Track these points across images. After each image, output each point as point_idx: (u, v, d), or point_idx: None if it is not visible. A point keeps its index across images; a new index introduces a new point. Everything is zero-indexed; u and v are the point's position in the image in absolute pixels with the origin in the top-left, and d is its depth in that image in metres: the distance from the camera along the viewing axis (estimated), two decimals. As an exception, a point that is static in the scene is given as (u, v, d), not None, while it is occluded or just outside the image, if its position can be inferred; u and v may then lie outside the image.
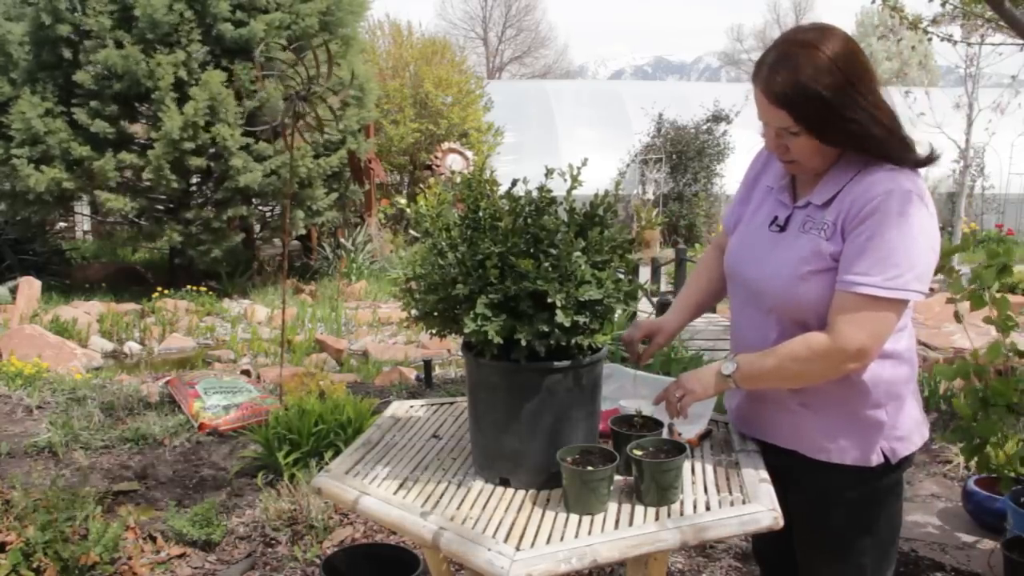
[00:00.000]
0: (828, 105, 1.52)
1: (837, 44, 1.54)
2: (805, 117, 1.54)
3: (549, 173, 1.65)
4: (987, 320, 3.06)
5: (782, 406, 1.73)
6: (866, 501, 1.71)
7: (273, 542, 3.14)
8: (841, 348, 1.56)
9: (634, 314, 5.55)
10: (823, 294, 1.60)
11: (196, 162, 8.47)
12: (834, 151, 1.61)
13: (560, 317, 1.51)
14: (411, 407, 2.13)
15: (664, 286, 9.78)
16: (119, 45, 8.38)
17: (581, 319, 1.54)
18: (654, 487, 1.53)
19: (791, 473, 1.72)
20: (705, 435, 1.88)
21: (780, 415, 1.74)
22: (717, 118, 14.45)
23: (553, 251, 1.55)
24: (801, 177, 1.72)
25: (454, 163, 12.64)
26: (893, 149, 1.57)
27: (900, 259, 1.52)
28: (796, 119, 1.55)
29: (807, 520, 1.74)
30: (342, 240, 10.69)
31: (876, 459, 1.67)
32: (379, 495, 1.59)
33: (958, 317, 3.14)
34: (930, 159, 1.60)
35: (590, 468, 1.52)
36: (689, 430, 1.86)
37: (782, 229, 1.70)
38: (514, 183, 1.68)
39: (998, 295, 3.03)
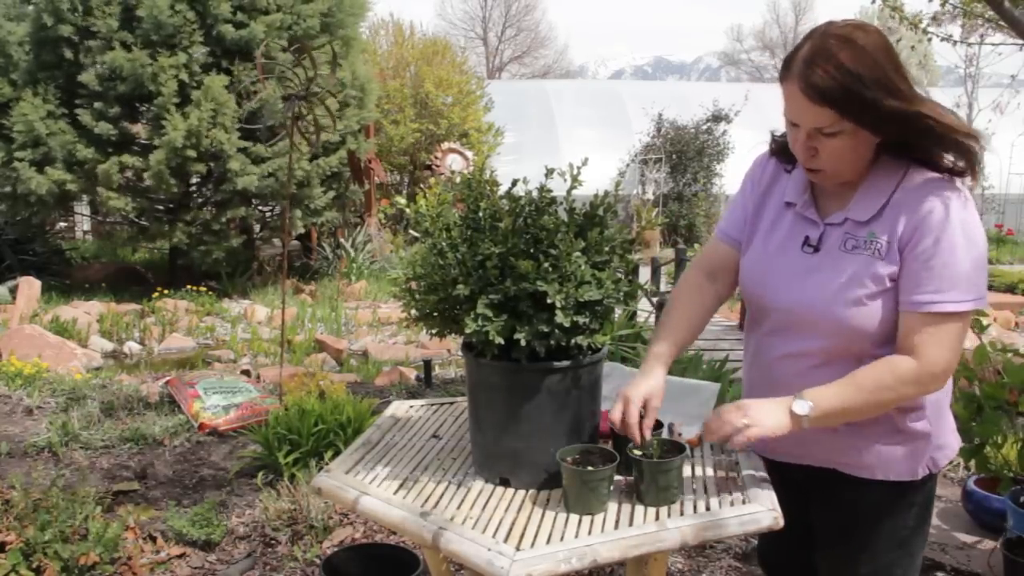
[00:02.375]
0: (874, 96, 1.43)
1: (872, 36, 1.47)
2: (852, 111, 1.44)
3: (549, 173, 1.65)
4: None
5: (824, 432, 1.61)
6: (904, 514, 1.66)
7: (273, 542, 3.14)
8: (930, 371, 1.50)
9: (634, 313, 5.56)
10: (882, 317, 1.53)
11: (197, 167, 8.48)
12: (865, 158, 1.53)
13: (560, 317, 1.51)
14: (411, 407, 2.13)
15: (664, 286, 9.77)
16: (125, 47, 8.38)
17: (581, 319, 1.54)
18: (654, 487, 1.53)
19: (822, 489, 1.69)
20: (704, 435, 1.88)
21: (816, 434, 1.62)
22: (717, 118, 14.46)
23: (553, 251, 1.55)
24: (824, 191, 1.63)
25: (454, 163, 12.65)
26: (951, 144, 1.49)
27: (970, 270, 1.48)
28: (842, 114, 1.45)
29: (840, 536, 1.70)
30: (342, 240, 10.70)
31: (922, 472, 1.63)
32: (379, 495, 1.59)
33: None
34: (972, 169, 1.51)
35: (590, 468, 1.52)
36: (689, 430, 1.86)
37: (816, 250, 1.60)
38: (514, 183, 1.68)
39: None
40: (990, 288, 9.45)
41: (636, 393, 1.62)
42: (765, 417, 1.52)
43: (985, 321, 3.11)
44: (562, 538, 1.43)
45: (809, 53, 1.46)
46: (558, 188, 1.65)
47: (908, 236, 1.50)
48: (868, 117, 1.45)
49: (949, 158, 1.51)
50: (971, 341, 3.16)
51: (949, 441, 1.68)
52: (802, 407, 1.51)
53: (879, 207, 1.54)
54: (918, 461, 1.63)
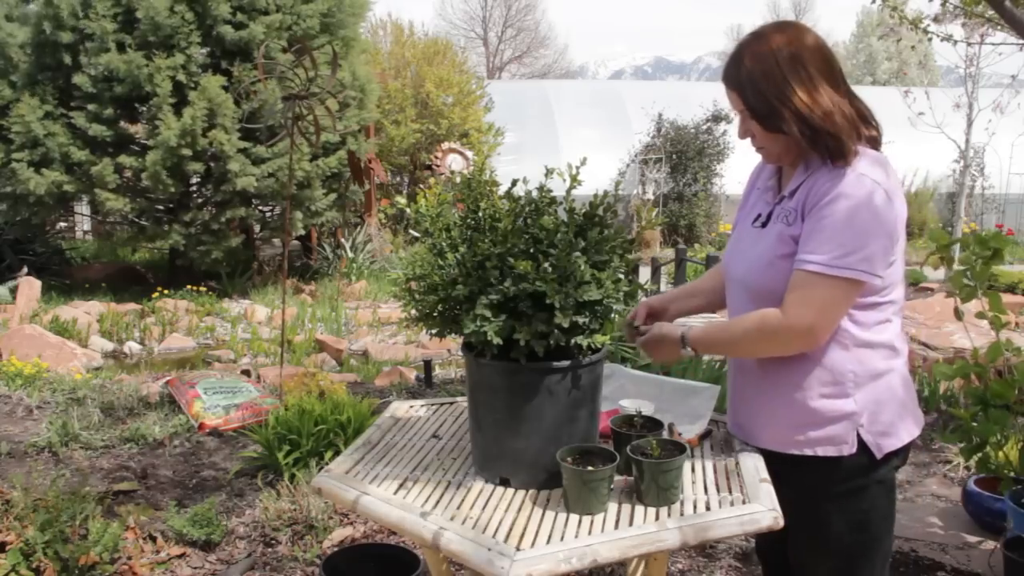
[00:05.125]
0: (762, 89, 1.62)
1: (785, 37, 1.64)
2: (746, 99, 1.65)
3: (549, 173, 1.65)
4: (979, 315, 3.06)
5: (755, 401, 1.78)
6: (855, 498, 1.71)
7: (273, 542, 3.14)
8: (790, 325, 1.60)
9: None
10: (785, 279, 1.64)
11: (194, 166, 8.47)
12: (792, 138, 1.65)
13: (559, 318, 1.51)
14: (411, 407, 2.13)
15: (664, 286, 9.77)
16: (121, 48, 8.37)
17: (580, 319, 1.54)
18: (654, 487, 1.53)
19: (779, 471, 1.73)
20: (705, 435, 1.88)
21: (755, 411, 1.78)
22: (717, 118, 14.43)
23: (552, 251, 1.55)
24: (786, 173, 1.77)
25: (454, 163, 12.64)
26: (824, 144, 1.61)
27: (847, 239, 1.57)
28: (743, 102, 1.66)
29: (798, 518, 1.74)
30: (342, 240, 10.69)
31: (849, 449, 1.68)
32: (379, 495, 1.59)
33: (959, 314, 3.12)
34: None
35: (590, 468, 1.52)
36: (689, 430, 1.86)
37: (764, 225, 1.75)
38: (514, 183, 1.68)
39: (989, 290, 3.02)
40: (990, 288, 9.44)
41: (652, 302, 1.95)
42: (655, 356, 1.84)
43: (1004, 319, 3.08)
44: (562, 538, 1.43)
45: (733, 49, 1.70)
46: (558, 188, 1.65)
47: (810, 203, 1.63)
48: (755, 105, 1.64)
49: (825, 153, 1.62)
50: (987, 338, 3.15)
51: (895, 427, 1.72)
52: (686, 350, 1.76)
53: (801, 181, 1.68)
54: (842, 439, 1.68)
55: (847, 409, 1.67)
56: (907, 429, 1.74)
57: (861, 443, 1.68)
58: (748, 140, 1.75)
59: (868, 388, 1.68)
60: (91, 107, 8.50)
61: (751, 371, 1.78)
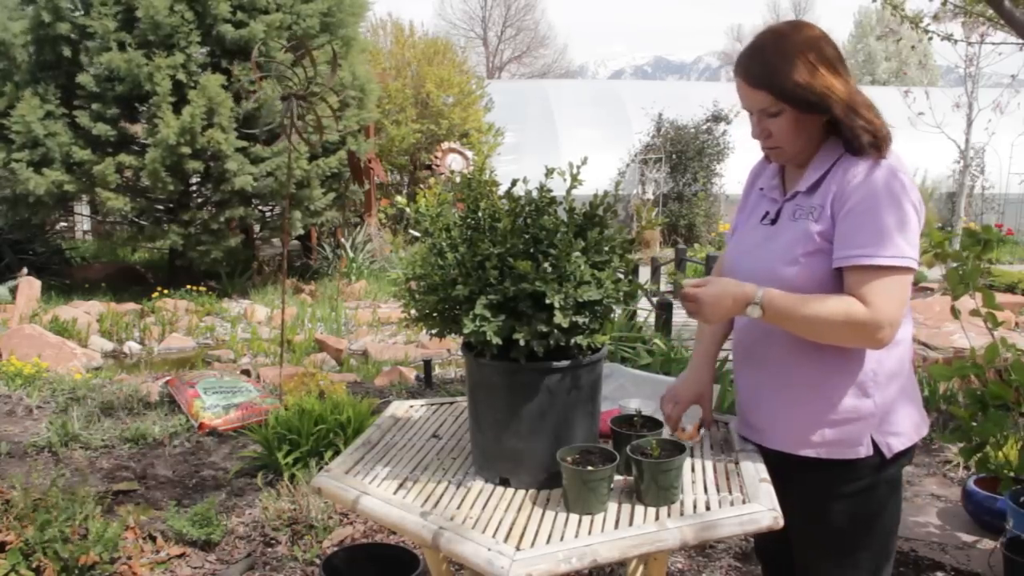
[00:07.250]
0: (800, 80, 1.61)
1: (801, 32, 1.66)
2: (783, 94, 1.62)
3: (549, 173, 1.65)
4: (974, 312, 3.05)
5: (770, 401, 1.75)
6: (863, 497, 1.71)
7: (273, 542, 3.14)
8: (877, 319, 1.57)
9: (634, 314, 5.55)
10: (812, 275, 1.64)
11: (193, 165, 8.47)
12: (816, 131, 1.66)
13: (558, 318, 1.51)
14: (411, 407, 2.13)
15: (664, 286, 9.77)
16: (122, 47, 8.38)
17: (580, 319, 1.54)
18: (654, 487, 1.53)
19: (787, 471, 1.73)
20: (701, 425, 1.87)
21: (769, 410, 1.75)
22: (717, 118, 14.44)
23: (552, 251, 1.55)
24: (790, 173, 1.77)
25: (454, 163, 12.64)
26: (860, 132, 1.62)
27: (896, 231, 1.58)
28: (776, 96, 1.63)
29: (803, 518, 1.74)
30: (342, 240, 10.69)
31: (865, 451, 1.67)
32: (379, 495, 1.59)
33: (955, 312, 3.12)
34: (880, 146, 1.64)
35: (590, 468, 1.52)
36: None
37: (773, 222, 1.74)
38: (514, 183, 1.68)
39: (984, 287, 3.02)
40: (990, 287, 9.43)
41: (684, 392, 1.85)
42: (710, 315, 1.65)
43: (999, 316, 3.07)
44: (562, 538, 1.43)
45: (748, 48, 1.70)
46: (558, 188, 1.65)
47: (840, 197, 1.62)
48: (794, 96, 1.62)
49: (868, 138, 1.63)
50: (986, 338, 3.14)
51: (906, 427, 1.72)
52: (755, 311, 1.62)
53: (819, 178, 1.68)
54: (858, 440, 1.68)
55: (865, 410, 1.66)
56: (916, 428, 1.74)
57: (872, 443, 1.68)
58: (754, 140, 1.74)
59: (886, 389, 1.68)
60: (95, 106, 8.50)
61: (770, 369, 1.74)
